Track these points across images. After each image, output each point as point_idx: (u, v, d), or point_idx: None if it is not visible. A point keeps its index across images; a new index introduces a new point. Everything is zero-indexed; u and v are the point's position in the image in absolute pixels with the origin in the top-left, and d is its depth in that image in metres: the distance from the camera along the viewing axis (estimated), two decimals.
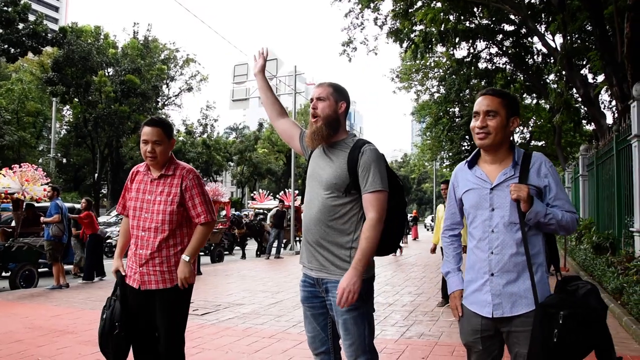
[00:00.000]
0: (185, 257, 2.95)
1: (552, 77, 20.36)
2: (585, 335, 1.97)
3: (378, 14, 18.40)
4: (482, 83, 21.40)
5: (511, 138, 2.28)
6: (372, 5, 17.84)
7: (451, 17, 15.47)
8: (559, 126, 18.85)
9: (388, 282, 9.65)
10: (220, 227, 16.44)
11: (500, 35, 19.36)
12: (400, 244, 18.53)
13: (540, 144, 29.29)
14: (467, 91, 27.37)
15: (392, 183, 2.47)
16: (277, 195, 23.98)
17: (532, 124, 28.25)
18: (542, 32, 16.19)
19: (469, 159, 2.35)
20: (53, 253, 9.28)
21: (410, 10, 15.26)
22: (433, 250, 7.97)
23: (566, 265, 10.36)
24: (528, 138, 29.37)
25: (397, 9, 15.43)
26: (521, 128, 29.83)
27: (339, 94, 2.54)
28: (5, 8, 23.80)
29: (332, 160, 2.48)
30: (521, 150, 2.25)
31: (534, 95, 22.61)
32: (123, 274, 3.04)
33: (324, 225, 2.43)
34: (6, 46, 24.20)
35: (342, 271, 2.37)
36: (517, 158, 2.21)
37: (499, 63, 21.32)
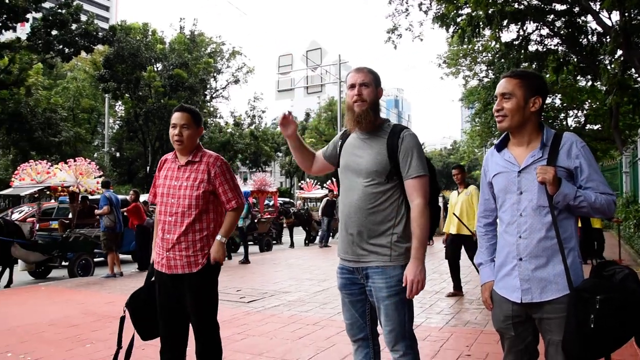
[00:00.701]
0: (220, 238, 3.02)
1: (607, 57, 19.45)
2: (624, 320, 1.88)
3: None
4: (533, 66, 20.67)
5: (539, 118, 2.20)
6: None
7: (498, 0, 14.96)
8: (615, 108, 18.00)
9: (435, 269, 9.51)
10: (268, 216, 16.63)
11: (552, 16, 18.56)
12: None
13: (596, 127, 28.08)
14: None
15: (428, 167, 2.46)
16: (325, 185, 24.04)
17: (587, 107, 27.08)
18: (597, 9, 15.44)
19: (497, 142, 2.30)
20: (107, 243, 9.64)
21: None
22: (445, 241, 7.29)
23: (621, 255, 9.62)
24: (583, 122, 28.20)
25: None
26: (575, 111, 28.71)
27: (377, 80, 2.56)
28: (59, 10, 24.75)
29: (371, 147, 2.47)
30: (551, 131, 2.16)
31: (589, 77, 21.63)
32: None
33: (366, 213, 2.42)
34: (61, 46, 25.16)
35: (383, 257, 2.38)
36: (546, 139, 2.14)
37: (551, 45, 20.46)
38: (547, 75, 23.38)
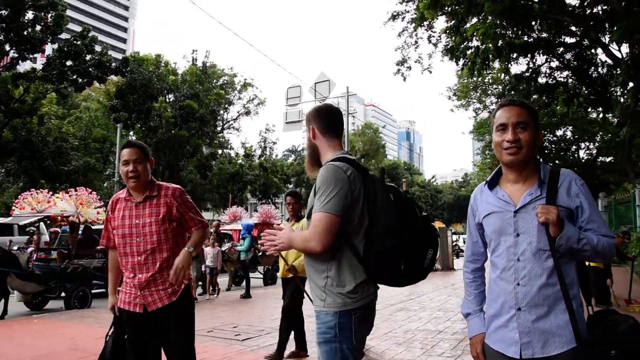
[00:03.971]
0: (188, 248, 2.96)
1: (618, 89, 19.29)
2: None
3: (432, 31, 18.11)
4: (543, 98, 20.55)
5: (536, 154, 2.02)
6: (425, 23, 17.56)
7: (508, 32, 14.95)
8: (628, 140, 17.75)
9: (441, 307, 9.17)
10: None
11: (561, 48, 18.55)
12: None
13: (608, 159, 27.72)
14: None
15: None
16: None
17: (598, 139, 26.79)
18: (606, 42, 15.35)
19: (488, 178, 2.09)
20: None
21: (462, 27, 14.88)
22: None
23: (631, 294, 8.99)
24: (595, 154, 27.86)
25: (448, 27, 15.08)
26: (587, 144, 28.41)
27: (307, 121, 2.48)
28: (74, 42, 25.24)
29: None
30: (547, 167, 1.98)
31: (600, 109, 21.43)
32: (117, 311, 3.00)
33: (309, 259, 2.29)
34: (75, 76, 25.58)
35: (318, 301, 2.22)
36: (544, 176, 1.94)
37: (560, 77, 20.41)
38: (558, 107, 23.28)
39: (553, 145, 27.85)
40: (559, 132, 27.51)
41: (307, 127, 2.40)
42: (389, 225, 2.08)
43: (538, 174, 1.96)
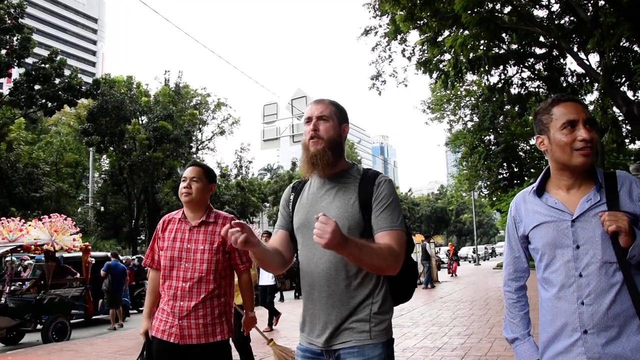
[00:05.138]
0: (251, 313, 3.04)
1: (589, 97, 19.71)
2: None
3: (405, 45, 18.27)
4: (516, 109, 20.86)
5: None
6: (399, 37, 17.71)
7: (481, 45, 15.16)
8: (601, 147, 18.08)
9: (434, 322, 9.01)
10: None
11: (532, 59, 18.90)
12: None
13: None
14: (501, 118, 26.72)
15: None
16: None
17: None
18: (575, 50, 15.69)
19: (535, 184, 1.85)
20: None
21: (438, 40, 15.02)
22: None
23: None
24: None
25: (424, 39, 15.20)
26: None
27: (342, 115, 2.07)
28: (42, 65, 24.76)
29: (338, 197, 1.97)
30: (600, 170, 1.77)
31: None
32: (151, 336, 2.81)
33: (342, 284, 1.89)
34: (44, 100, 25.06)
35: (360, 334, 1.88)
36: (601, 180, 1.72)
37: (532, 87, 20.79)
38: (531, 117, 23.70)
39: (527, 155, 28.28)
40: (532, 142, 27.97)
41: (338, 120, 2.04)
42: (411, 244, 2.03)
43: (595, 177, 1.74)
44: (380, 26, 18.69)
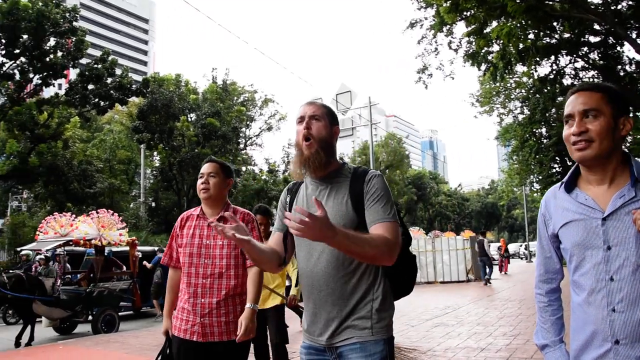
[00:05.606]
0: (252, 306, 2.71)
1: None
2: None
3: (452, 37, 17.81)
4: None
5: (623, 147, 1.65)
6: (445, 29, 17.29)
7: (530, 35, 14.61)
8: None
9: (480, 321, 8.76)
10: None
11: (585, 48, 18.09)
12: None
13: None
14: (553, 110, 25.75)
15: None
16: None
17: (629, 140, 26.00)
18: (634, 37, 14.89)
19: (565, 179, 1.70)
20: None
21: (485, 31, 14.58)
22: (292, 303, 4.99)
23: None
24: None
25: (471, 30, 14.77)
26: None
27: (333, 117, 2.13)
28: (95, 65, 25.63)
29: (331, 197, 1.99)
30: (638, 161, 1.60)
31: (630, 108, 20.81)
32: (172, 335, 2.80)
33: (340, 282, 1.91)
34: (96, 100, 25.93)
35: (362, 331, 1.89)
36: (637, 173, 1.56)
37: (586, 77, 19.90)
38: None
39: None
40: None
41: (329, 121, 2.09)
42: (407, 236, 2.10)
43: (630, 170, 1.58)
44: (425, 18, 18.26)
